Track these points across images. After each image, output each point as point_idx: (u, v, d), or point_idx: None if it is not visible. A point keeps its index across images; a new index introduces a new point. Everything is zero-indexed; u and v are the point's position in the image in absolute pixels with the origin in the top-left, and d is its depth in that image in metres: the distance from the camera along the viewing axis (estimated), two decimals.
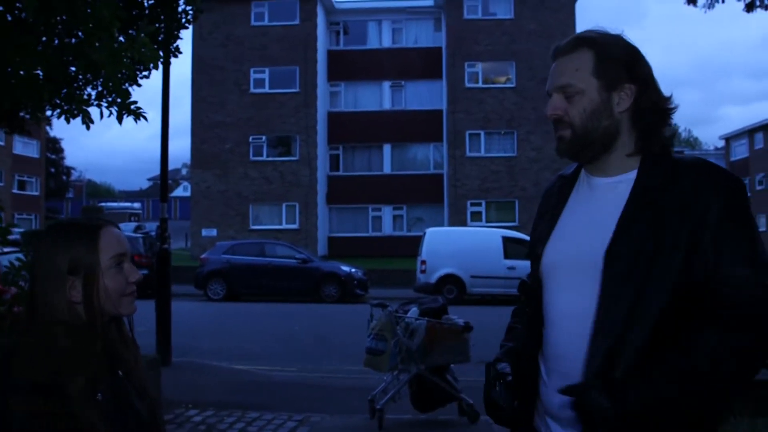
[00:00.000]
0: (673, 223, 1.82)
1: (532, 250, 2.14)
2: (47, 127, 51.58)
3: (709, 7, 12.35)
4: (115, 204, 68.43)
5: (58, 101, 4.60)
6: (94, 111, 4.23)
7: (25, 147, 55.27)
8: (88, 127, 4.21)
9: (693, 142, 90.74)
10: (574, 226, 2.02)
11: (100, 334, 1.74)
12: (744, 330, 1.74)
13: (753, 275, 1.77)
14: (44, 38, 4.21)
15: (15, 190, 54.26)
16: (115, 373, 1.81)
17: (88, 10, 3.69)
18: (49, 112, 4.99)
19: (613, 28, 2.01)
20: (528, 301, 2.20)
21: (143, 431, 1.81)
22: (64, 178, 76.94)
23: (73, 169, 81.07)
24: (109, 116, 4.16)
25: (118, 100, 4.09)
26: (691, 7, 12.28)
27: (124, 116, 4.14)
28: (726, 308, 1.77)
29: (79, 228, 1.81)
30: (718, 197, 1.82)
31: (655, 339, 1.80)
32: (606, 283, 1.86)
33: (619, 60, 1.94)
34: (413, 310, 7.18)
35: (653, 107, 1.97)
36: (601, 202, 1.97)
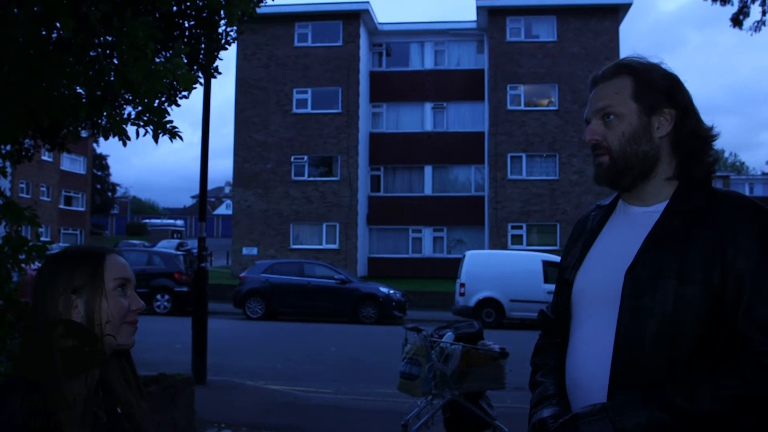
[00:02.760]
0: (701, 252, 1.77)
1: (562, 276, 2.10)
2: (94, 144, 52.53)
3: (755, 30, 12.20)
4: (158, 221, 69.38)
5: (96, 119, 4.65)
6: (131, 129, 4.26)
7: (72, 163, 56.37)
8: (124, 144, 4.24)
9: (739, 167, 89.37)
10: (605, 253, 1.97)
11: (101, 350, 1.72)
12: (764, 382, 1.67)
13: None
14: (83, 57, 4.25)
15: (61, 206, 55.31)
16: (113, 410, 1.78)
17: (124, 29, 3.72)
18: (84, 133, 5.04)
19: (653, 56, 1.99)
20: (551, 331, 2.16)
21: None
22: (110, 194, 78.31)
23: (118, 185, 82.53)
24: (144, 135, 4.19)
25: (154, 119, 4.12)
26: (736, 29, 12.14)
27: (160, 135, 4.16)
28: (751, 355, 1.69)
29: (85, 253, 1.81)
30: (752, 232, 1.76)
31: (680, 370, 1.74)
32: (624, 305, 1.81)
33: (659, 86, 1.92)
34: (448, 335, 7.09)
35: (694, 133, 1.92)
36: (635, 230, 1.92)
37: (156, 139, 4.18)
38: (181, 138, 4.24)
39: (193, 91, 5.28)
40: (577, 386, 1.92)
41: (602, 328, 1.86)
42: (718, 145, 1.99)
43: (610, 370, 1.80)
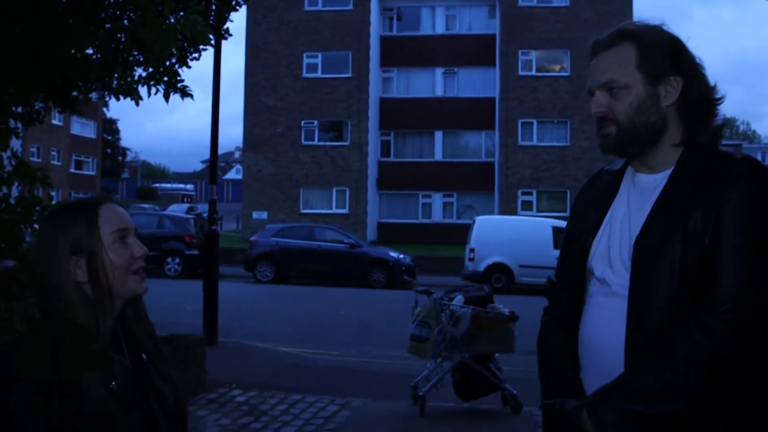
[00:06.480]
0: (703, 216, 1.75)
1: (574, 244, 2.06)
2: (104, 109, 52.50)
3: None
4: (168, 185, 69.51)
5: (107, 80, 4.65)
6: (143, 90, 4.25)
7: (82, 128, 56.45)
8: (137, 103, 4.24)
9: (751, 136, 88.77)
10: (617, 221, 1.95)
11: (107, 325, 1.67)
12: (722, 337, 1.69)
13: (745, 290, 1.69)
14: (94, 17, 4.24)
15: (72, 170, 55.48)
16: (138, 357, 1.77)
17: None
18: (95, 96, 5.03)
19: (654, 19, 1.93)
20: (559, 301, 2.12)
21: (168, 414, 1.77)
22: (120, 158, 78.48)
23: (128, 150, 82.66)
24: (156, 93, 4.19)
25: (165, 78, 4.11)
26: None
27: (171, 94, 4.16)
28: (709, 314, 1.71)
29: (78, 207, 1.75)
30: (741, 191, 1.75)
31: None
32: (634, 272, 1.82)
33: (663, 52, 1.87)
34: (458, 298, 7.12)
35: (701, 98, 1.89)
36: (644, 197, 1.91)
37: (167, 97, 4.18)
38: (192, 97, 4.24)
39: (204, 56, 5.28)
40: (592, 353, 1.93)
41: (616, 296, 1.86)
42: (729, 113, 1.96)
43: (624, 336, 1.81)
